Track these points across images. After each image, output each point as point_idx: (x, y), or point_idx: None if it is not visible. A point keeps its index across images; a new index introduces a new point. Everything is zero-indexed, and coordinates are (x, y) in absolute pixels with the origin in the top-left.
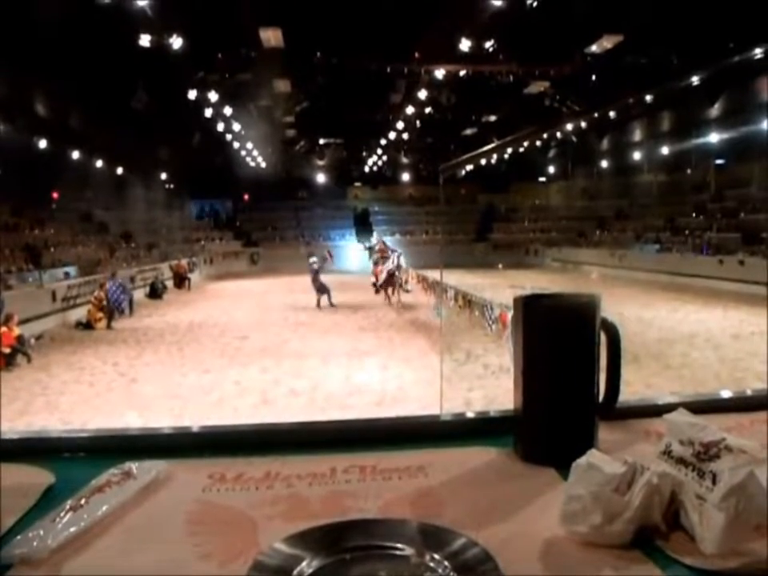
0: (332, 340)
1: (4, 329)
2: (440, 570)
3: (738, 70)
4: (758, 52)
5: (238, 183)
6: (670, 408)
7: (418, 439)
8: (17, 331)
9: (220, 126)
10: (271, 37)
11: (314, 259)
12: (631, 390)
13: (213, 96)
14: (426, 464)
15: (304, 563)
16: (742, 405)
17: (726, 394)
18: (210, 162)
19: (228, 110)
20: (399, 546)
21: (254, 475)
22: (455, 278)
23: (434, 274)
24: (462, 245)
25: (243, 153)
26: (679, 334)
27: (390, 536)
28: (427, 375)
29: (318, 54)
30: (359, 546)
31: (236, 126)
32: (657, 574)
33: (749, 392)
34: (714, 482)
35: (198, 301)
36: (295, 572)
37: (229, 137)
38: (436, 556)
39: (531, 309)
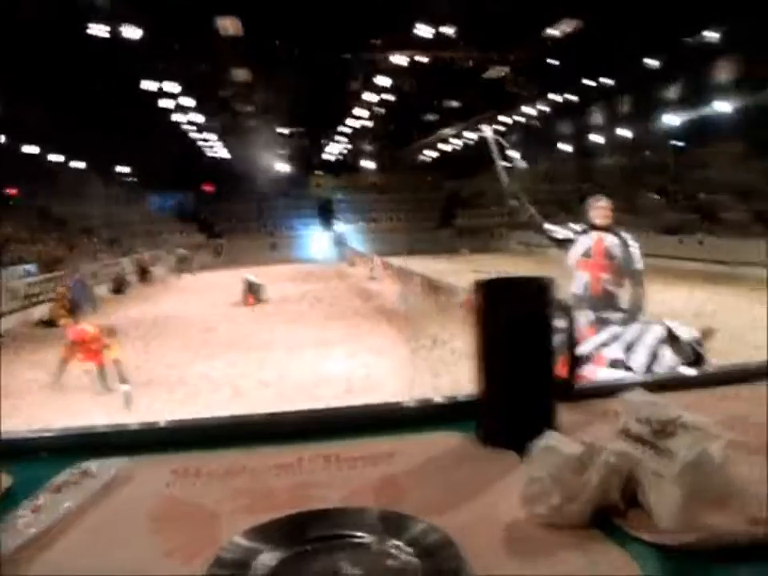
0: (299, 330)
1: None
2: (402, 557)
3: (695, 53)
4: (713, 35)
5: (200, 175)
6: (628, 388)
7: (383, 427)
8: None
9: (180, 118)
10: (229, 25)
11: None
12: None
13: (172, 87)
14: (390, 451)
15: (264, 556)
16: (700, 382)
17: (684, 372)
18: (170, 155)
19: (187, 101)
20: (361, 534)
21: (219, 469)
22: (421, 265)
23: (399, 261)
24: (427, 231)
25: (204, 144)
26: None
27: (352, 525)
28: (395, 362)
29: (278, 42)
30: (321, 536)
31: (196, 117)
32: (615, 551)
33: (709, 369)
34: (670, 459)
35: (163, 294)
36: (255, 565)
37: (189, 128)
38: (398, 542)
39: (488, 292)
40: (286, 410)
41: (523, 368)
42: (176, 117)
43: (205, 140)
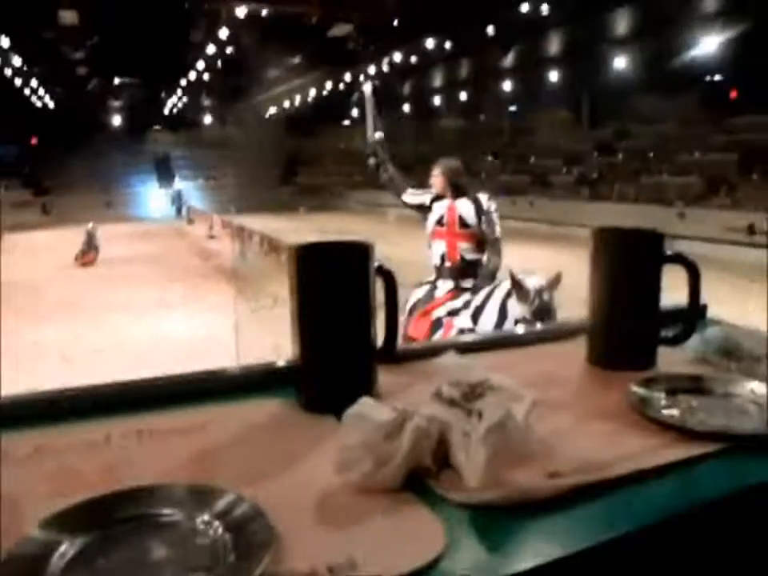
0: (137, 291)
1: None
2: (210, 532)
3: (527, 23)
4: (545, 8)
5: (24, 125)
6: (446, 349)
7: (198, 396)
8: None
9: None
10: None
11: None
12: None
13: None
14: (206, 421)
15: (64, 546)
16: (519, 341)
17: (497, 333)
18: None
19: (5, 42)
20: (169, 512)
21: (22, 451)
22: (260, 223)
23: (239, 219)
24: (267, 189)
25: (27, 92)
26: None
27: (159, 503)
28: (236, 322)
29: None
30: (127, 517)
31: (16, 61)
32: (426, 512)
33: (518, 330)
34: (479, 419)
35: None
36: (54, 557)
37: (8, 72)
38: (206, 517)
39: (305, 257)
40: (95, 382)
41: (342, 333)
42: None
43: (29, 87)
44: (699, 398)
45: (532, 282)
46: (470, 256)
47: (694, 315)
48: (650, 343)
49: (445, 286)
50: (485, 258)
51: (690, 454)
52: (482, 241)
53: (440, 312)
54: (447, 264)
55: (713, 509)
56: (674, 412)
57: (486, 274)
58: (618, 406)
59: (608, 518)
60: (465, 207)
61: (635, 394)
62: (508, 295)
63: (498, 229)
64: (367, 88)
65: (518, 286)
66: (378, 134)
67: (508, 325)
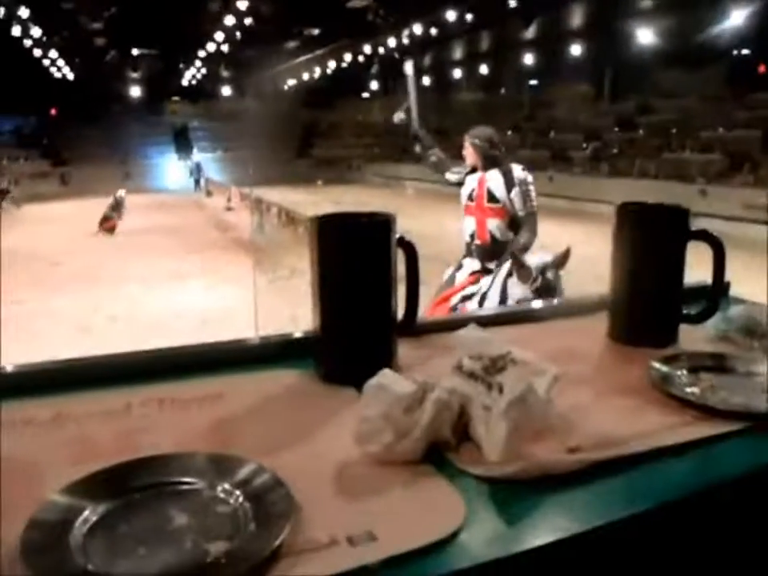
0: (155, 262)
1: None
2: (231, 501)
3: None
4: None
5: (43, 96)
6: (466, 323)
7: (217, 366)
8: None
9: (16, 31)
10: None
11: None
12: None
13: None
14: (225, 391)
15: (86, 512)
16: (540, 316)
17: (518, 307)
18: (6, 73)
19: (24, 12)
20: (190, 480)
21: (45, 417)
22: (278, 195)
23: (257, 191)
24: (285, 161)
25: (47, 63)
26: None
27: (179, 471)
28: (253, 293)
29: None
30: (148, 484)
31: (35, 32)
32: (445, 485)
33: (539, 304)
34: (500, 393)
35: (4, 227)
36: (78, 522)
37: (28, 43)
38: (227, 486)
39: (325, 228)
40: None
41: (363, 304)
42: (12, 31)
43: (48, 58)
44: (721, 376)
45: (535, 260)
46: (500, 235)
47: (717, 293)
48: (672, 320)
49: (470, 266)
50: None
51: (711, 432)
52: (514, 218)
53: (456, 299)
54: (477, 242)
55: (733, 487)
56: (695, 390)
57: (514, 251)
58: (639, 382)
59: (627, 494)
60: (494, 180)
61: (656, 370)
62: (509, 275)
63: (532, 204)
64: (409, 66)
65: (518, 265)
66: (398, 116)
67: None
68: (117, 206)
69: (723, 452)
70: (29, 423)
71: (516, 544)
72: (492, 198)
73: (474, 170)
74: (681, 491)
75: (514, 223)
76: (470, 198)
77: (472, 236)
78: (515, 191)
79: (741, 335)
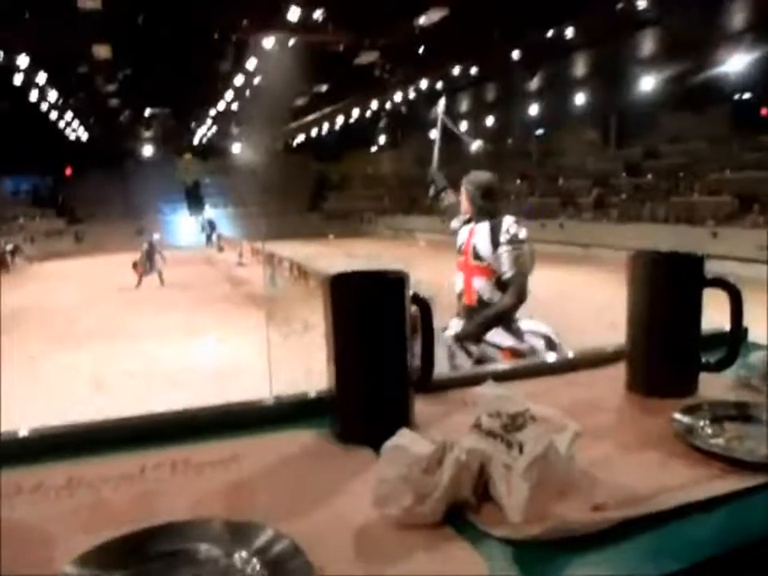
0: (168, 317)
1: None
2: (248, 569)
3: (553, 46)
4: (570, 30)
5: (59, 156)
6: (483, 378)
7: (232, 427)
8: None
9: (34, 95)
10: None
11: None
12: None
13: (23, 61)
14: (240, 453)
15: None
16: (556, 368)
17: (534, 361)
18: (24, 134)
19: (42, 77)
20: (207, 547)
21: (55, 482)
22: (290, 249)
23: (268, 246)
24: (296, 215)
25: (62, 124)
26: None
27: (196, 537)
28: (266, 347)
29: (140, 17)
30: (164, 552)
31: (52, 95)
32: (467, 548)
33: (556, 358)
34: (520, 451)
35: (21, 284)
36: None
37: (45, 106)
38: (244, 554)
39: (339, 287)
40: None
41: (378, 363)
42: (31, 94)
43: (64, 119)
44: (746, 425)
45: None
46: (487, 297)
47: (736, 341)
48: (691, 369)
49: (453, 329)
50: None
51: (740, 485)
52: (500, 279)
53: None
54: (464, 302)
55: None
56: (720, 441)
57: (488, 315)
58: (662, 434)
59: (657, 553)
60: (481, 233)
61: (679, 422)
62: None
63: (509, 264)
64: (440, 106)
65: (471, 336)
66: (476, 144)
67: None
68: (148, 253)
69: (754, 506)
70: (39, 488)
71: None
72: (477, 254)
73: (470, 220)
74: (712, 549)
75: (500, 283)
76: (459, 251)
77: (460, 295)
78: (503, 248)
79: (763, 382)
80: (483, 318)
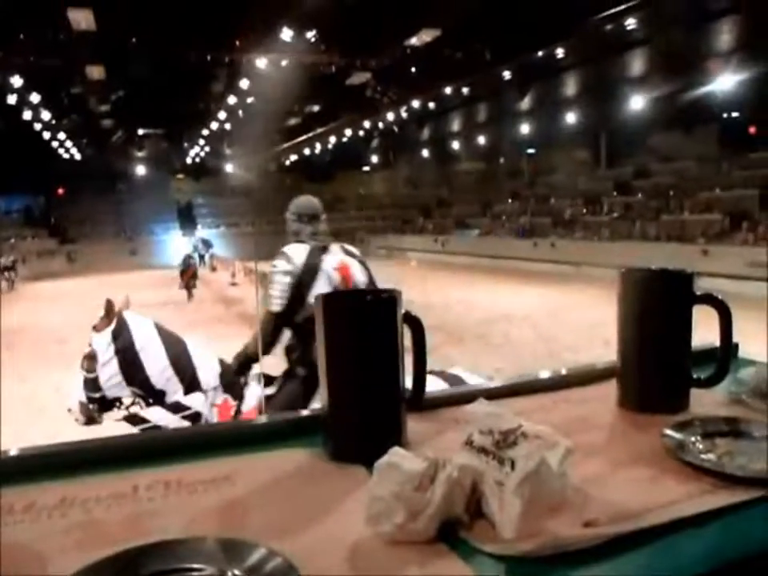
0: None
1: None
2: None
3: (543, 66)
4: (559, 50)
5: (51, 176)
6: (475, 396)
7: (225, 446)
8: None
9: (27, 115)
10: (82, 19)
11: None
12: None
13: (16, 81)
14: (232, 473)
15: None
16: (548, 385)
17: (525, 377)
18: (16, 154)
19: (35, 98)
20: (200, 566)
21: (47, 502)
22: None
23: (261, 266)
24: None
25: (55, 144)
26: (500, 313)
27: (188, 557)
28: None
29: (134, 39)
30: (157, 571)
31: (45, 116)
32: (460, 565)
33: (546, 374)
34: (512, 468)
35: (13, 304)
36: None
37: (38, 126)
38: (237, 572)
39: (332, 307)
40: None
41: (371, 381)
42: (24, 115)
43: (57, 140)
44: (736, 441)
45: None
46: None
47: (726, 357)
48: (682, 385)
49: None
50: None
51: (732, 500)
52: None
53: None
54: None
55: (759, 560)
56: (712, 456)
57: (237, 358)
58: (653, 450)
59: (649, 569)
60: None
61: (670, 438)
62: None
63: (272, 298)
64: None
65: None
66: None
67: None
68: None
69: (746, 521)
70: (31, 508)
71: None
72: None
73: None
74: (704, 565)
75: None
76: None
77: None
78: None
79: (753, 398)
80: (234, 360)
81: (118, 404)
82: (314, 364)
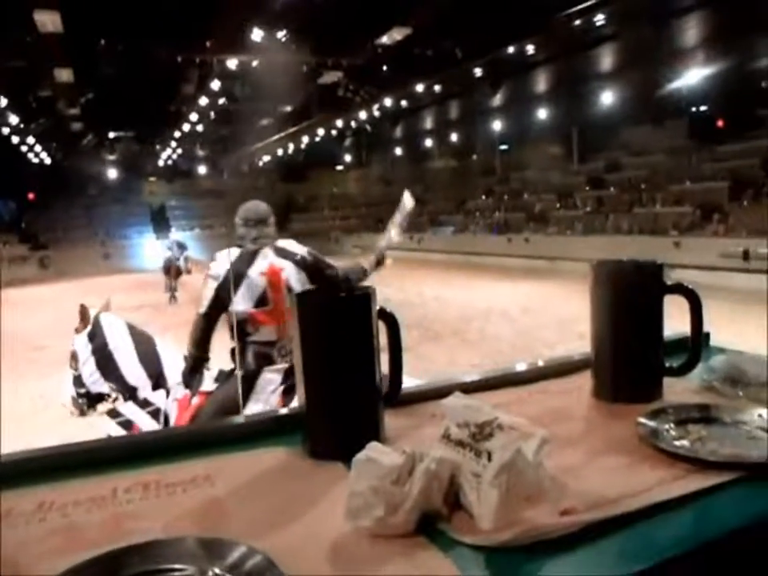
0: None
1: None
2: None
3: (514, 63)
4: (530, 47)
5: (21, 181)
6: (451, 390)
7: (205, 446)
8: None
9: None
10: (48, 21)
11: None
12: (436, 366)
13: None
14: (212, 472)
15: None
16: (526, 378)
17: (501, 371)
18: None
19: (2, 101)
20: (180, 566)
21: (25, 508)
22: None
23: None
24: None
25: (24, 148)
26: (476, 309)
27: (170, 557)
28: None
29: (102, 41)
30: (138, 572)
31: (13, 119)
32: (440, 557)
33: (522, 367)
34: (489, 460)
35: None
36: None
37: (6, 131)
38: (218, 571)
39: (306, 305)
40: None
41: (347, 378)
42: None
43: (26, 144)
44: (708, 427)
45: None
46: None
47: (698, 345)
48: (655, 374)
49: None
50: None
51: (704, 484)
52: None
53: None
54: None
55: (732, 539)
56: (685, 443)
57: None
58: (628, 439)
59: (625, 554)
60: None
61: (644, 426)
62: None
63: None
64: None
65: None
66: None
67: None
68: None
69: (718, 504)
70: (9, 514)
71: None
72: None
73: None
74: (679, 547)
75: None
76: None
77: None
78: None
79: (725, 385)
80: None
81: (106, 398)
82: (250, 364)
